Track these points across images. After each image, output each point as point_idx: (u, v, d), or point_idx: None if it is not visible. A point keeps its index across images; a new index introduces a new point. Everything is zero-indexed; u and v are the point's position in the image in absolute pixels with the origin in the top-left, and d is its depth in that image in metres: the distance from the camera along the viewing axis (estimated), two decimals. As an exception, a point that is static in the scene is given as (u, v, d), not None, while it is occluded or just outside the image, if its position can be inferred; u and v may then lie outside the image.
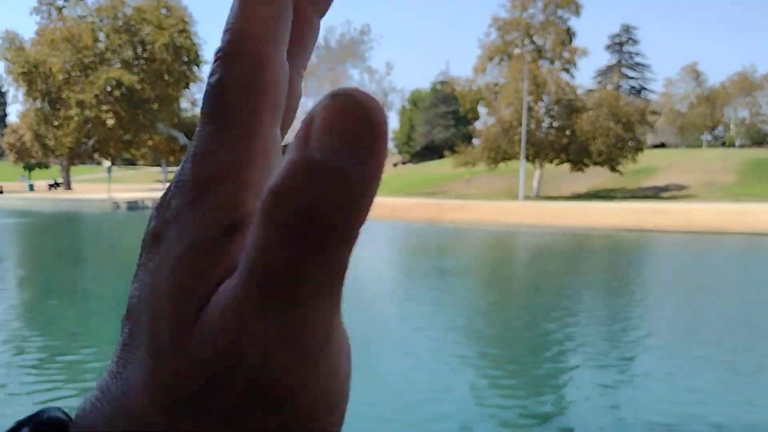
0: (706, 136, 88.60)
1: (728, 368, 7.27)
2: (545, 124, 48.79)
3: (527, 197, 46.37)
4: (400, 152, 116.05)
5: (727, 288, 14.14)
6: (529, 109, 46.38)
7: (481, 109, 61.83)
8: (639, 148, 47.73)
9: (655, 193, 48.17)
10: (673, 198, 44.82)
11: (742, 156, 58.28)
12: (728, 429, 5.46)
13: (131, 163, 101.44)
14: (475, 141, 61.96)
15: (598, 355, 7.89)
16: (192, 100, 50.78)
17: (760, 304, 12.06)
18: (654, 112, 73.81)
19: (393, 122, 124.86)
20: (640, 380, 6.91)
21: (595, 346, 8.40)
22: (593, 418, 5.79)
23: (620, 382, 6.85)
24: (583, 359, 7.77)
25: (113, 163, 56.44)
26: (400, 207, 41.14)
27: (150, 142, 49.41)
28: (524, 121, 44.82)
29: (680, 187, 49.36)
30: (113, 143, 46.65)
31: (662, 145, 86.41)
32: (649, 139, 79.14)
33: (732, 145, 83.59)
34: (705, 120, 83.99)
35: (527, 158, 47.47)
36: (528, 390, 6.67)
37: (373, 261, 18.91)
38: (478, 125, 57.37)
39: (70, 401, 6.00)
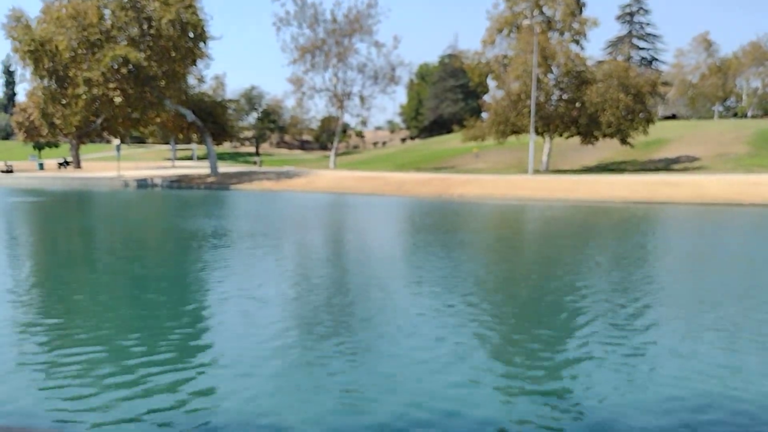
0: (718, 107, 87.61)
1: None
2: (554, 97, 48.31)
3: (537, 171, 46.13)
4: (408, 127, 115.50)
5: (744, 258, 14.06)
6: (539, 81, 45.89)
7: (490, 83, 61.30)
8: (649, 119, 47.21)
9: (666, 165, 47.81)
10: (685, 170, 44.47)
11: (754, 127, 57.67)
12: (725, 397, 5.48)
13: (140, 141, 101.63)
14: (483, 115, 61.52)
15: (611, 321, 7.91)
16: (199, 76, 50.55)
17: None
18: (665, 83, 72.94)
19: (401, 97, 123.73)
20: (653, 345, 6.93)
21: (612, 315, 8.40)
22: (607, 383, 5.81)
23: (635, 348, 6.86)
24: (598, 326, 7.79)
25: (122, 141, 56.51)
26: (408, 182, 41.08)
27: (158, 120, 49.36)
28: (533, 94, 44.40)
29: (692, 159, 48.96)
30: (121, 121, 46.63)
31: (673, 117, 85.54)
32: (660, 110, 78.34)
33: (744, 116, 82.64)
34: (716, 91, 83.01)
35: (537, 131, 47.13)
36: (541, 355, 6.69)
37: (384, 235, 18.92)
38: (486, 99, 56.89)
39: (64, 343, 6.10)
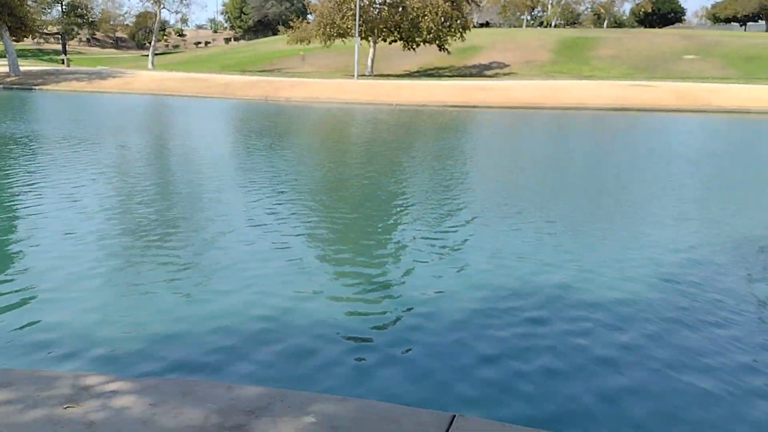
0: (527, 16, 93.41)
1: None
2: (379, 1, 48.95)
3: (362, 75, 47.11)
4: (232, 27, 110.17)
5: (547, 154, 16.23)
6: (363, -16, 46.14)
7: (316, -17, 60.10)
8: (465, 26, 49.74)
9: (479, 71, 51.02)
10: (496, 76, 47.87)
11: (557, 35, 62.73)
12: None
13: None
14: (310, 17, 60.63)
15: (426, 210, 9.20)
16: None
17: (572, 165, 14.17)
18: (481, -9, 76.02)
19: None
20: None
21: (424, 206, 9.69)
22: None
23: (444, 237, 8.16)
24: (412, 217, 9.02)
25: None
26: (234, 84, 40.21)
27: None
28: (358, -3, 44.72)
29: (502, 65, 52.61)
30: None
31: (487, 24, 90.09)
32: (475, 18, 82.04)
33: (549, 25, 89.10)
34: (526, 0, 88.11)
35: (361, 36, 47.76)
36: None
37: (210, 137, 18.95)
38: (312, 0, 56.01)
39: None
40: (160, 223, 8.14)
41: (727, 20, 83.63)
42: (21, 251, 6.95)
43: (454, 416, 3.17)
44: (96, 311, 5.24)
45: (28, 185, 10.38)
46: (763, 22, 78.97)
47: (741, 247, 7.51)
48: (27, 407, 3.16)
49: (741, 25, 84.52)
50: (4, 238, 7.52)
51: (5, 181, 10.74)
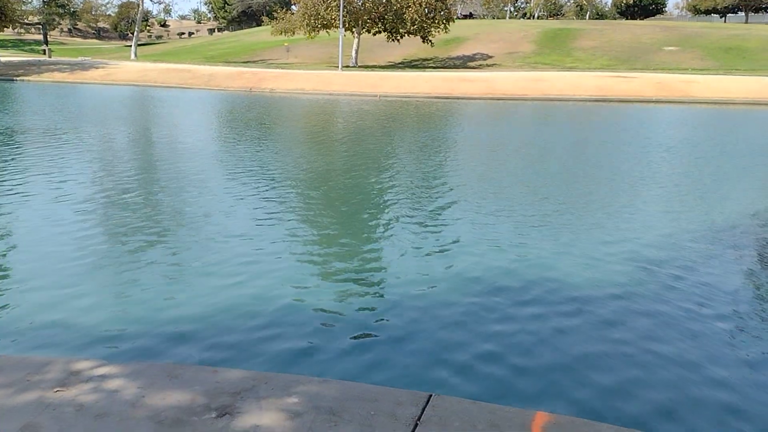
0: (510, 8, 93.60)
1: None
2: (362, -8, 48.94)
3: (346, 67, 47.06)
4: (216, 17, 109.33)
5: (526, 144, 16.41)
6: (347, -26, 46.04)
7: (299, -27, 59.77)
8: (449, 18, 49.84)
9: (463, 63, 51.14)
10: (479, 67, 48.03)
11: (540, 27, 62.99)
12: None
13: None
14: (294, 8, 60.33)
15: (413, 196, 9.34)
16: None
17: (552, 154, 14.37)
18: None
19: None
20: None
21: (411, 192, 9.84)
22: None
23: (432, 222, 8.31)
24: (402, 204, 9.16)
25: None
26: (218, 76, 40.02)
27: None
28: (342, -12, 44.62)
29: (486, 57, 52.77)
30: None
31: (470, 16, 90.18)
32: (459, 9, 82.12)
33: (532, 16, 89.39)
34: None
35: (345, 27, 47.68)
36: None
37: (194, 129, 18.94)
38: (296, -10, 55.73)
39: None
40: (146, 213, 8.23)
41: (708, 12, 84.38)
42: (7, 240, 7.02)
43: (431, 395, 3.32)
44: (84, 298, 5.35)
45: (14, 175, 10.38)
46: (743, 14, 79.78)
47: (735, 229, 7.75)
48: (18, 391, 3.27)
49: (721, 17, 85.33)
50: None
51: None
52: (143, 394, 3.27)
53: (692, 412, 3.87)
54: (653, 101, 31.77)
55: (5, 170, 11.06)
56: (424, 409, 3.17)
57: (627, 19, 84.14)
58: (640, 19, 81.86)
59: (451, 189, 10.24)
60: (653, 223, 8.35)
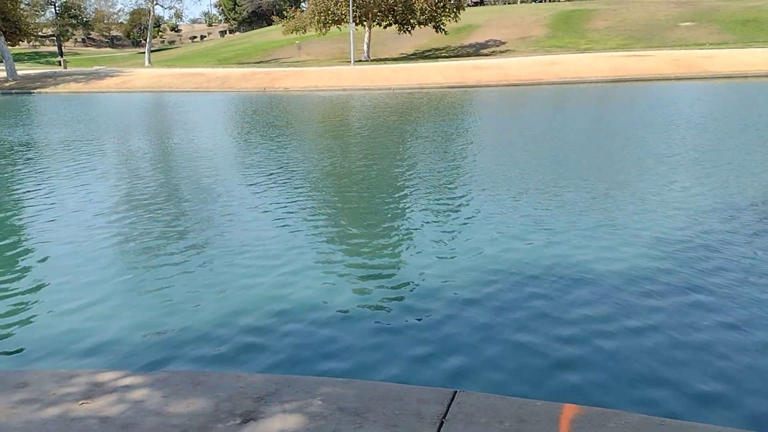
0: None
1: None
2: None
3: (359, 61, 46.99)
4: (226, 19, 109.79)
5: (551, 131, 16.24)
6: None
7: (307, -30, 59.72)
8: (459, 6, 49.45)
9: (476, 50, 50.76)
10: (492, 54, 47.64)
11: (552, 9, 62.26)
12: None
13: None
14: (303, 5, 60.38)
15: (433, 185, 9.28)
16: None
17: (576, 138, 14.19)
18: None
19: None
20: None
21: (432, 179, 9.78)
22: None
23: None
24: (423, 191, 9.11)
25: None
26: (232, 77, 40.19)
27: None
28: (350, -18, 44.50)
29: (498, 43, 52.33)
30: None
31: (481, 2, 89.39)
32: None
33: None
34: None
35: (356, 21, 47.57)
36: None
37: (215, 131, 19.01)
38: (304, -13, 55.71)
39: None
40: (167, 219, 8.25)
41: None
42: (30, 253, 7.08)
43: (456, 392, 3.28)
44: (107, 309, 5.36)
45: (38, 185, 10.53)
46: (761, -16, 78.17)
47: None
48: (43, 405, 3.29)
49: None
50: (15, 239, 7.68)
51: (15, 185, 10.91)
52: (167, 403, 3.27)
53: (741, 397, 3.77)
54: (672, 78, 31.25)
55: (31, 181, 11.22)
56: (449, 407, 3.12)
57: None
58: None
59: (475, 180, 10.15)
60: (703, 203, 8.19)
